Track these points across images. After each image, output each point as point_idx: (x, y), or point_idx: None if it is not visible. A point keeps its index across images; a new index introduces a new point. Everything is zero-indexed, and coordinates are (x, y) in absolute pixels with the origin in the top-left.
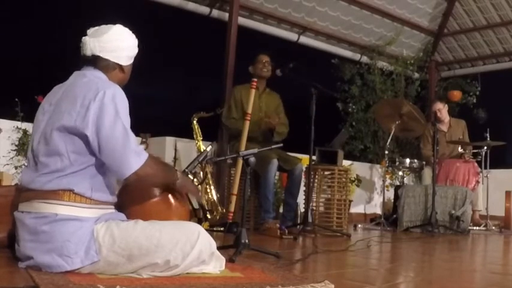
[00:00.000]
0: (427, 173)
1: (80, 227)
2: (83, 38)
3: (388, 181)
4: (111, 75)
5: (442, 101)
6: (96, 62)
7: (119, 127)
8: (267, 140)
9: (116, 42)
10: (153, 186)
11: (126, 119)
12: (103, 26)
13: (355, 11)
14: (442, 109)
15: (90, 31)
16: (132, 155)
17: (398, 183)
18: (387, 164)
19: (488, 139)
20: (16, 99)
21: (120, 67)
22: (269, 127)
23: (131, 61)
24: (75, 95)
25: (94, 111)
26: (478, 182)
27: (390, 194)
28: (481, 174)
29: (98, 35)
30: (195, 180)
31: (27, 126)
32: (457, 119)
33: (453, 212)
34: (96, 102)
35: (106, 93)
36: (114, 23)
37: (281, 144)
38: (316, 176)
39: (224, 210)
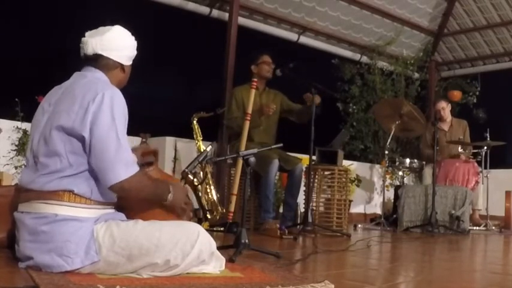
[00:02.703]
0: (427, 173)
1: (80, 227)
2: (83, 38)
3: (388, 181)
4: (111, 75)
5: (446, 100)
6: (97, 60)
7: (112, 134)
8: (269, 135)
9: (118, 41)
10: (138, 200)
11: (121, 127)
12: (102, 27)
13: (355, 11)
14: (445, 108)
15: (89, 33)
16: (121, 164)
17: (398, 183)
18: (387, 164)
19: (488, 139)
20: (16, 99)
21: (121, 66)
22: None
23: (131, 62)
24: (75, 96)
25: (92, 113)
26: (477, 182)
27: (390, 194)
28: (481, 174)
29: (98, 34)
30: (195, 180)
31: (27, 126)
32: (459, 119)
33: (453, 212)
34: (94, 104)
35: (105, 95)
36: (115, 23)
37: (281, 144)
38: (316, 176)
39: (224, 210)
